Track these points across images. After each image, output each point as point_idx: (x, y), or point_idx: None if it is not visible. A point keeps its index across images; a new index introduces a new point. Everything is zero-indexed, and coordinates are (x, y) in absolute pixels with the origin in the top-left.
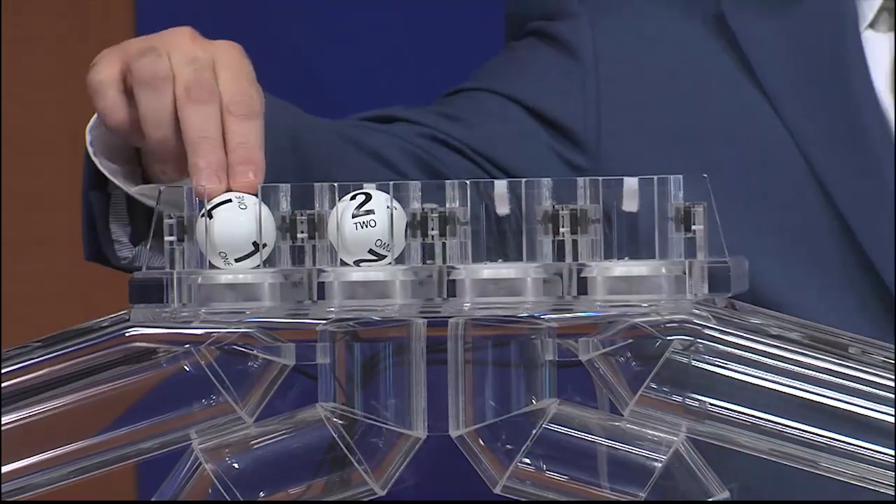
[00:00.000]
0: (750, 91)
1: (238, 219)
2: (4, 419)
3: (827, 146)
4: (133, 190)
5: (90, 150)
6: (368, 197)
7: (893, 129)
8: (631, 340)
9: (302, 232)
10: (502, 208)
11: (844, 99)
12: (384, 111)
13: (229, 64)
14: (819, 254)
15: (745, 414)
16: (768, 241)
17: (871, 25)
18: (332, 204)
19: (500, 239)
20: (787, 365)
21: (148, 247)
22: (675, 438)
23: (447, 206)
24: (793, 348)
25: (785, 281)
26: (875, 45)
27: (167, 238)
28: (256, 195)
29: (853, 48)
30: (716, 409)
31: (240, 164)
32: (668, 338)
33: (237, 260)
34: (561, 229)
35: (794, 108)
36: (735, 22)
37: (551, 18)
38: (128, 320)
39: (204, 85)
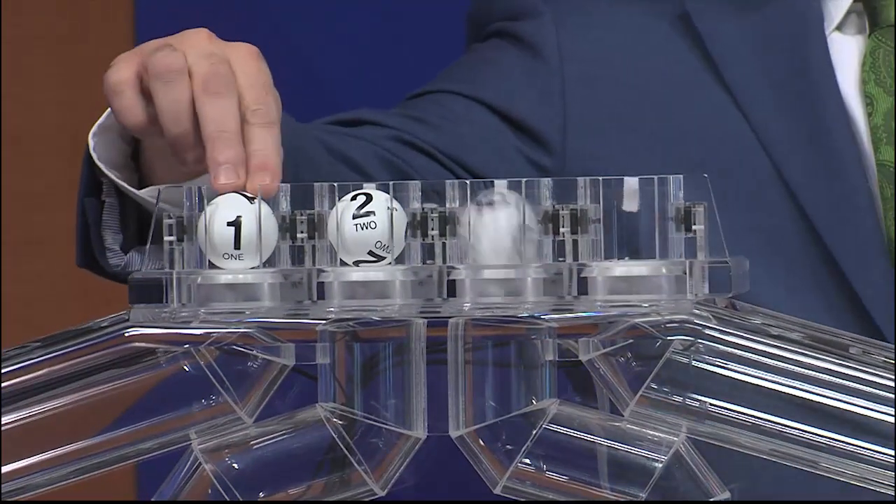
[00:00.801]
0: (716, 91)
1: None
2: (4, 419)
3: (791, 147)
4: (143, 192)
5: (94, 155)
6: (369, 198)
7: (862, 132)
8: (631, 340)
9: (302, 232)
10: None
11: (808, 101)
12: (350, 114)
13: (245, 68)
14: (787, 255)
15: (745, 414)
16: (736, 241)
17: (839, 28)
18: (332, 204)
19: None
20: (787, 365)
21: (148, 247)
22: (675, 439)
23: (447, 206)
24: (793, 348)
25: (754, 281)
26: (842, 47)
27: (167, 238)
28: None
29: (817, 50)
30: (716, 409)
31: (257, 169)
32: (669, 338)
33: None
34: (561, 229)
35: (759, 109)
36: (700, 22)
37: (515, 18)
38: (127, 320)
39: (221, 77)
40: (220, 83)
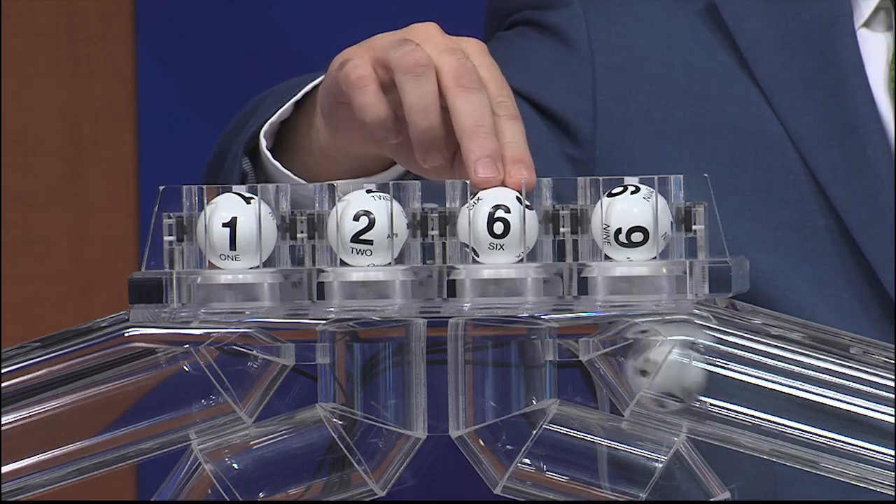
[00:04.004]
0: (744, 85)
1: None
2: (4, 419)
3: (820, 142)
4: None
5: (268, 154)
6: (371, 223)
7: (890, 130)
8: (631, 340)
9: (302, 232)
10: None
11: (838, 96)
12: None
13: (482, 62)
14: (815, 250)
15: (745, 414)
16: (764, 235)
17: (867, 24)
18: (332, 204)
19: None
20: (788, 365)
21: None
22: (675, 439)
23: (447, 206)
24: (794, 349)
25: (780, 276)
26: (870, 43)
27: (166, 238)
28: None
29: (847, 45)
30: (716, 409)
31: (512, 162)
32: (669, 338)
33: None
34: (561, 229)
35: (788, 104)
36: (728, 14)
37: (542, 7)
38: (127, 320)
39: (471, 73)
40: (471, 78)
